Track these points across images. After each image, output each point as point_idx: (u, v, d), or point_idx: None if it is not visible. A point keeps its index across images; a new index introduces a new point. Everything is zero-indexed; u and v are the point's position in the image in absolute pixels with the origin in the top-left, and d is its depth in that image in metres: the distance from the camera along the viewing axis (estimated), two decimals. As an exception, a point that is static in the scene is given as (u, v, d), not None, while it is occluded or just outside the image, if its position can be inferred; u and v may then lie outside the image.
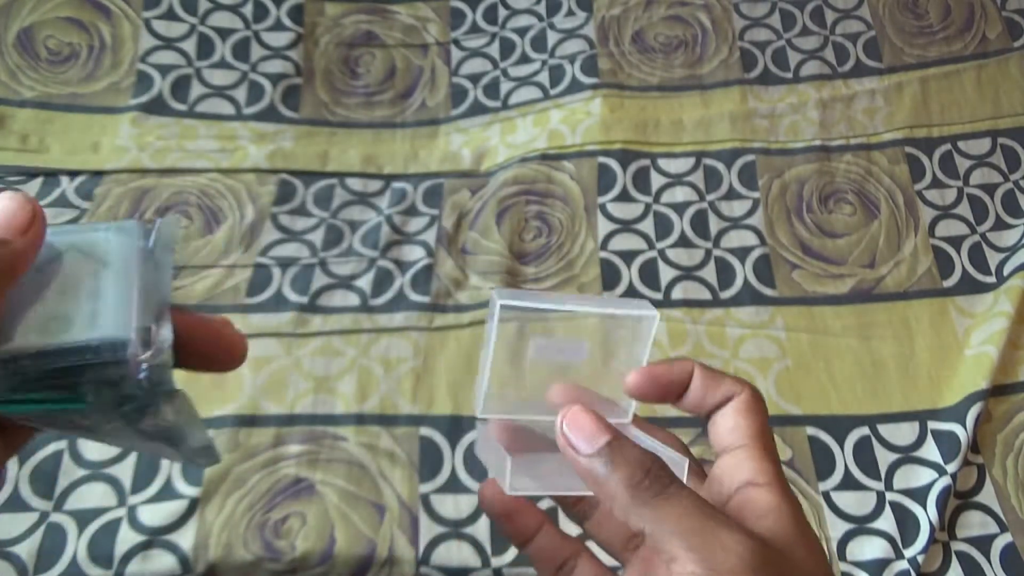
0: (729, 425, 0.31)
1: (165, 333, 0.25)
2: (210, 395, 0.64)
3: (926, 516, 0.61)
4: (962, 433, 0.64)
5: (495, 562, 0.59)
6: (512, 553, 0.60)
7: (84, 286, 0.24)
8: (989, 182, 0.80)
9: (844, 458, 0.65)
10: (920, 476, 0.64)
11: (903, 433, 0.66)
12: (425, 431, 0.64)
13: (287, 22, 0.89)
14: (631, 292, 0.73)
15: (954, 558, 0.60)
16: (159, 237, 0.26)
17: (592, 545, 0.37)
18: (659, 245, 0.76)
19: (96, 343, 0.24)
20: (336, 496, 0.61)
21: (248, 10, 0.89)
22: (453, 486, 0.62)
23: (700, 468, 0.34)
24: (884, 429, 0.66)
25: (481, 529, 0.61)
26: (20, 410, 0.24)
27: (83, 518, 0.59)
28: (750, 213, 0.78)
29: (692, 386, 0.32)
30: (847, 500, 0.63)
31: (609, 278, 0.73)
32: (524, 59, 0.89)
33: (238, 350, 0.27)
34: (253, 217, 0.76)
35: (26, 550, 0.57)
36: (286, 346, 0.68)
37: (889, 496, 0.63)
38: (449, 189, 0.79)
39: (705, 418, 0.33)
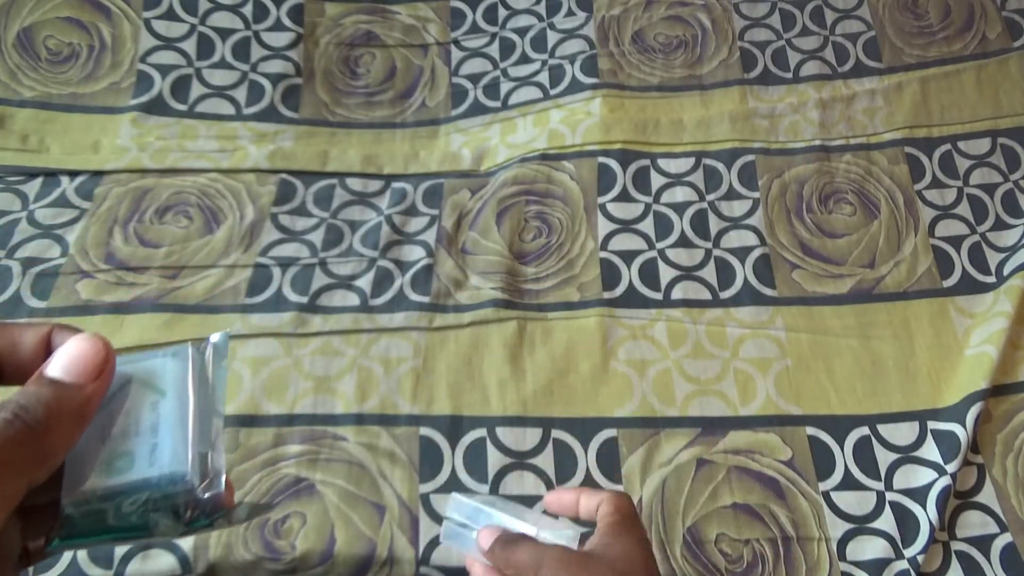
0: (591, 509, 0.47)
1: (219, 460, 0.27)
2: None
3: (926, 516, 0.61)
4: (962, 433, 0.64)
5: (495, 562, 0.59)
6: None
7: (144, 420, 0.26)
8: (989, 182, 0.80)
9: (844, 458, 0.65)
10: (920, 476, 0.64)
11: (903, 433, 0.66)
12: (425, 431, 0.64)
13: (287, 22, 0.89)
14: (631, 292, 0.73)
15: (954, 558, 0.60)
16: (214, 354, 0.27)
17: None
18: (659, 245, 0.76)
19: (156, 479, 0.26)
20: (336, 496, 0.61)
21: (248, 10, 0.89)
22: (453, 486, 0.62)
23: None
24: (884, 429, 0.66)
25: (481, 529, 0.61)
26: (91, 542, 0.26)
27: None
28: (750, 213, 0.78)
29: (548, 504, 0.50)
30: (847, 500, 0.63)
31: (609, 278, 0.73)
32: (524, 59, 0.89)
33: None
34: (253, 217, 0.76)
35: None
36: (286, 346, 0.68)
37: (889, 496, 0.63)
38: (449, 189, 0.79)
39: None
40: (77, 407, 0.24)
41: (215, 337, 0.28)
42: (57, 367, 0.25)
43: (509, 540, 0.43)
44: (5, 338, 0.27)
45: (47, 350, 0.27)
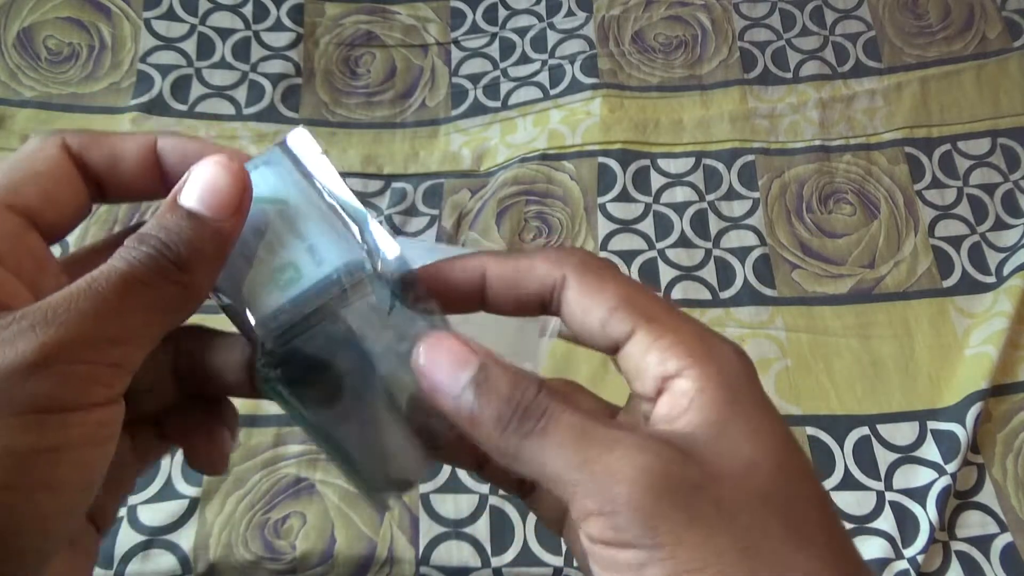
0: (579, 312, 0.23)
1: (378, 231, 0.24)
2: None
3: (926, 516, 0.61)
4: (962, 433, 0.64)
5: (495, 562, 0.59)
6: (512, 553, 0.60)
7: (282, 230, 0.24)
8: (989, 182, 0.80)
9: (844, 458, 0.65)
10: (920, 476, 0.64)
11: (903, 433, 0.66)
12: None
13: (287, 22, 0.89)
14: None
15: (954, 558, 0.60)
16: (303, 149, 0.25)
17: None
18: (659, 245, 0.76)
19: (336, 274, 0.23)
20: (336, 496, 0.61)
21: (248, 10, 0.89)
22: (453, 486, 0.62)
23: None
24: (884, 429, 0.66)
25: (481, 529, 0.61)
26: (308, 380, 0.24)
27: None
28: (750, 213, 0.78)
29: (490, 285, 0.24)
30: (847, 500, 0.63)
31: (609, 278, 0.73)
32: (524, 59, 0.89)
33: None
34: (253, 217, 0.76)
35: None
36: (286, 346, 0.68)
37: (889, 496, 0.63)
38: (449, 189, 0.79)
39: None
40: (218, 243, 0.22)
41: (295, 134, 0.25)
42: (193, 196, 0.21)
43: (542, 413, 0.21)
44: (104, 151, 0.24)
45: (155, 163, 0.24)
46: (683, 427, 0.20)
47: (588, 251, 0.24)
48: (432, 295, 0.24)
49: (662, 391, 0.21)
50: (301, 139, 0.25)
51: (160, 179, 0.25)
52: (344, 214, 0.24)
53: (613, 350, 0.23)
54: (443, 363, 0.21)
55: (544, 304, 0.24)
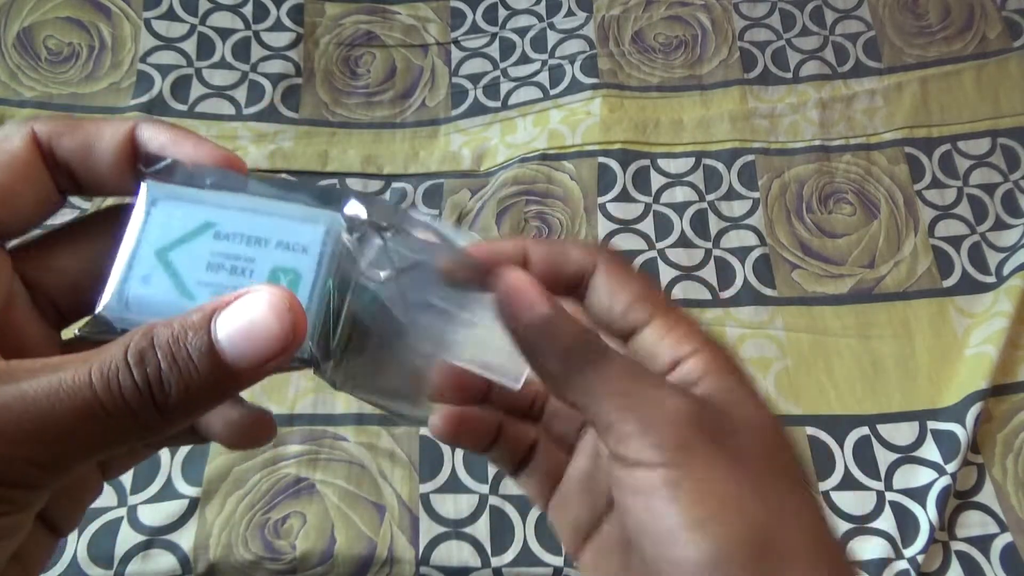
0: (605, 297, 0.25)
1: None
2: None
3: (926, 516, 0.61)
4: (962, 433, 0.64)
5: (495, 562, 0.59)
6: (512, 553, 0.60)
7: (235, 248, 0.22)
8: (989, 182, 0.80)
9: (844, 458, 0.65)
10: (920, 476, 0.64)
11: (903, 433, 0.66)
12: (425, 431, 0.64)
13: (287, 22, 0.89)
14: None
15: (954, 558, 0.60)
16: (170, 172, 0.23)
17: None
18: (659, 245, 0.76)
19: (326, 247, 0.23)
20: (336, 496, 0.61)
21: (248, 10, 0.89)
22: (453, 486, 0.62)
23: None
24: (884, 429, 0.66)
25: (481, 529, 0.61)
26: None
27: (83, 518, 0.59)
28: (750, 213, 0.78)
29: (533, 264, 0.25)
30: (847, 500, 0.63)
31: (609, 278, 0.73)
32: (524, 59, 0.89)
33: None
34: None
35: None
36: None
37: (889, 496, 0.63)
38: (449, 189, 0.79)
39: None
40: (224, 394, 0.18)
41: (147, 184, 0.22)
42: (228, 331, 0.18)
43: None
44: (76, 140, 0.22)
45: (133, 153, 0.22)
46: (703, 391, 0.23)
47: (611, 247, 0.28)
48: (483, 273, 0.24)
49: (674, 370, 0.24)
50: (161, 170, 0.23)
51: (138, 171, 0.23)
52: (273, 191, 0.23)
53: (627, 334, 0.25)
54: (528, 292, 0.23)
55: (577, 286, 0.25)
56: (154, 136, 0.22)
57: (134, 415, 0.18)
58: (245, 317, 0.18)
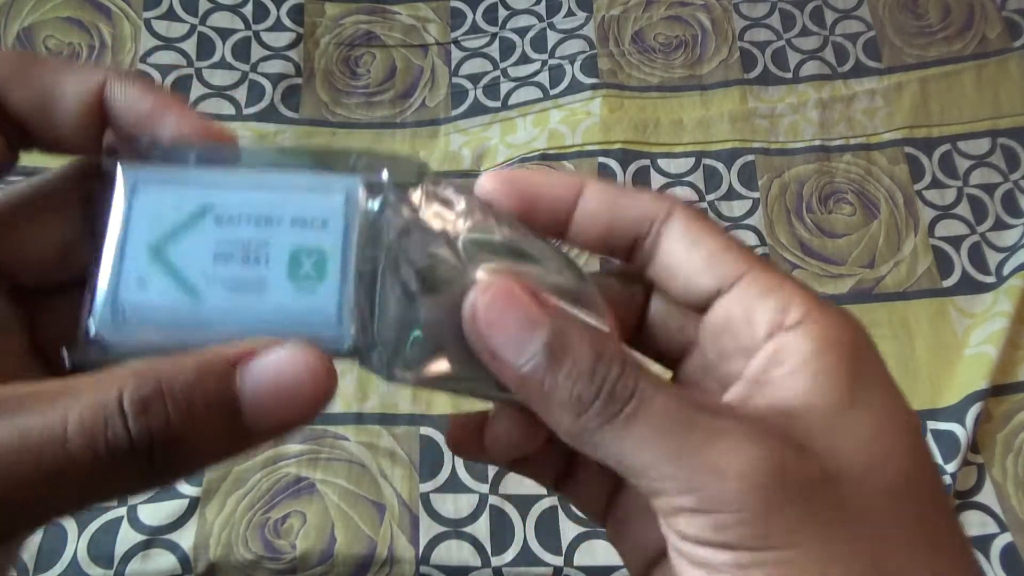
0: (683, 248, 0.19)
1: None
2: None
3: (926, 516, 0.61)
4: (962, 433, 0.64)
5: (495, 562, 0.59)
6: (512, 552, 0.60)
7: (246, 234, 0.19)
8: (989, 182, 0.80)
9: (844, 458, 0.65)
10: (920, 476, 0.64)
11: (903, 433, 0.66)
12: (425, 430, 0.64)
13: (287, 22, 0.89)
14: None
15: (954, 558, 0.60)
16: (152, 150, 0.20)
17: None
18: (659, 245, 0.76)
19: (350, 216, 0.19)
20: (336, 495, 0.61)
21: (248, 10, 0.89)
22: (453, 486, 0.62)
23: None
24: (884, 429, 0.66)
25: (481, 529, 0.61)
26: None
27: (83, 517, 0.59)
28: (750, 213, 0.78)
29: (583, 209, 0.20)
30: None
31: (609, 278, 0.74)
32: (524, 59, 0.89)
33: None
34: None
35: (27, 550, 0.57)
36: (286, 346, 0.68)
37: (889, 496, 0.63)
38: (449, 189, 0.79)
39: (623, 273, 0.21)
40: (229, 455, 0.16)
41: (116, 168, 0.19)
42: (254, 386, 0.15)
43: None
44: (32, 91, 0.18)
45: (99, 113, 0.18)
46: (794, 400, 0.17)
47: None
48: (507, 206, 0.20)
49: (769, 341, 0.18)
50: (135, 148, 0.19)
51: (102, 132, 0.19)
52: (272, 160, 0.20)
53: (706, 301, 0.19)
54: (507, 320, 0.17)
55: (634, 243, 0.19)
56: (130, 104, 0.19)
57: (120, 474, 0.14)
58: (277, 373, 0.16)
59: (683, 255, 0.19)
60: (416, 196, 0.20)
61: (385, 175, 0.20)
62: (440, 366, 0.19)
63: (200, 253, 0.18)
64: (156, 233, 0.18)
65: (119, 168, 0.19)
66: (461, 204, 0.20)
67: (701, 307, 0.19)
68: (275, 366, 0.16)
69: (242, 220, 0.19)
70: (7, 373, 0.18)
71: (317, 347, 0.16)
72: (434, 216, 0.20)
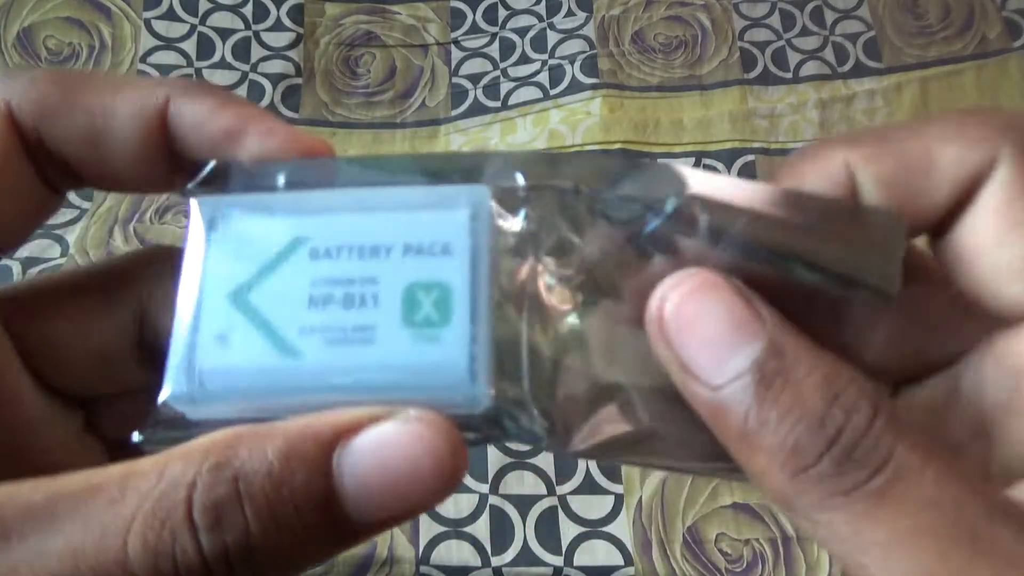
0: (991, 241, 0.13)
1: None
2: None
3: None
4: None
5: (495, 561, 0.59)
6: (512, 552, 0.60)
7: (347, 268, 0.16)
8: (989, 182, 0.80)
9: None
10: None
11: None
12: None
13: (287, 22, 0.89)
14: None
15: (954, 558, 0.60)
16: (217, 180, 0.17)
17: None
18: (659, 245, 0.76)
19: (474, 237, 0.15)
20: (336, 496, 0.61)
21: (248, 10, 0.89)
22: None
23: None
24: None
25: (481, 528, 0.61)
26: None
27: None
28: (750, 213, 0.78)
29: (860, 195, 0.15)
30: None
31: (609, 278, 0.73)
32: (524, 59, 0.89)
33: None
34: (253, 217, 0.76)
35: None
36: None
37: (889, 496, 0.63)
38: (449, 189, 0.79)
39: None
40: (331, 555, 0.13)
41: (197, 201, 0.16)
42: (355, 469, 0.12)
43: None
44: (77, 123, 0.14)
45: (161, 141, 0.15)
46: None
47: None
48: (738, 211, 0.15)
49: None
50: (209, 175, 0.16)
51: (166, 162, 0.16)
52: (375, 176, 0.16)
53: (1016, 312, 0.13)
54: (706, 319, 0.12)
55: (944, 220, 0.13)
56: (201, 124, 0.15)
57: None
58: (385, 456, 0.12)
59: (992, 238, 0.13)
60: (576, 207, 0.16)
61: (520, 179, 0.16)
62: (620, 426, 0.15)
63: (292, 298, 0.15)
64: (238, 277, 0.15)
65: (193, 202, 0.16)
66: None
67: (1000, 319, 0.13)
68: (382, 446, 0.12)
69: (342, 252, 0.15)
70: (58, 462, 0.15)
71: (441, 414, 0.13)
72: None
